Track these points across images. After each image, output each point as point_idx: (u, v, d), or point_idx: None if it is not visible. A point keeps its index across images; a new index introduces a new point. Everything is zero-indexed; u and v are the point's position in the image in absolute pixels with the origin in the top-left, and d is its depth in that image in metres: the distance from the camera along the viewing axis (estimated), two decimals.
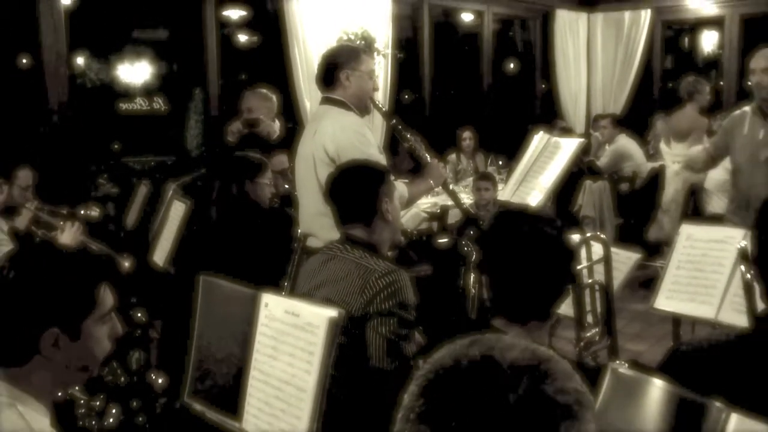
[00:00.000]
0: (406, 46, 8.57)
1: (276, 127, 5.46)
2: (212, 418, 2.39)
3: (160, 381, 2.56)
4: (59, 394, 1.82)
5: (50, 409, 1.74)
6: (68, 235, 3.72)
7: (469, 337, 1.09)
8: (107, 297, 1.76)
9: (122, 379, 1.96)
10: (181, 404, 2.48)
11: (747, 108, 4.91)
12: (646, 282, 4.58)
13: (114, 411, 2.07)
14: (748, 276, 2.21)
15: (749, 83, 4.85)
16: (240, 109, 5.49)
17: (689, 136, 7.36)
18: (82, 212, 4.76)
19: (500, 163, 8.26)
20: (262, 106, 5.45)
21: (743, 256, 2.21)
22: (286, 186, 4.94)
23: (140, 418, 2.02)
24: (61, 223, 4.41)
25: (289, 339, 2.26)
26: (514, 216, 2.04)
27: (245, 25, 10.86)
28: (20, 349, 1.68)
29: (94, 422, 1.94)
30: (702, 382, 1.52)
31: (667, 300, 3.30)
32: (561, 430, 1.00)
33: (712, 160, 5.26)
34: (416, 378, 1.07)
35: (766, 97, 4.69)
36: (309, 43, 6.87)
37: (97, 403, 1.93)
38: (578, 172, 7.17)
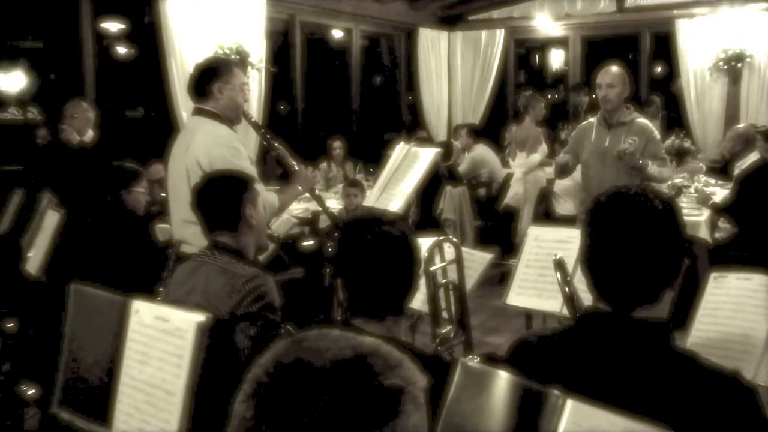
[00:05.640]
0: (279, 60, 8.49)
1: (88, 137, 5.86)
2: (82, 427, 2.29)
3: (30, 392, 2.42)
4: None
5: None
6: None
7: (289, 339, 1.08)
8: None
9: None
10: (51, 414, 2.36)
11: (593, 119, 5.14)
12: (503, 279, 4.69)
13: None
14: (565, 282, 2.29)
15: (594, 96, 5.05)
16: (64, 114, 5.84)
17: (527, 144, 7.69)
18: None
19: (371, 170, 8.30)
20: (83, 115, 5.84)
21: (559, 264, 2.29)
22: (162, 194, 4.81)
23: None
24: None
25: (159, 344, 2.19)
26: (360, 221, 2.04)
27: (124, 37, 10.52)
28: None
29: None
30: (540, 372, 1.57)
31: (517, 296, 3.37)
32: (386, 421, 0.99)
33: (565, 170, 5.41)
34: (244, 383, 1.05)
35: (610, 109, 4.93)
36: (185, 57, 6.71)
37: None
38: (439, 178, 7.28)
